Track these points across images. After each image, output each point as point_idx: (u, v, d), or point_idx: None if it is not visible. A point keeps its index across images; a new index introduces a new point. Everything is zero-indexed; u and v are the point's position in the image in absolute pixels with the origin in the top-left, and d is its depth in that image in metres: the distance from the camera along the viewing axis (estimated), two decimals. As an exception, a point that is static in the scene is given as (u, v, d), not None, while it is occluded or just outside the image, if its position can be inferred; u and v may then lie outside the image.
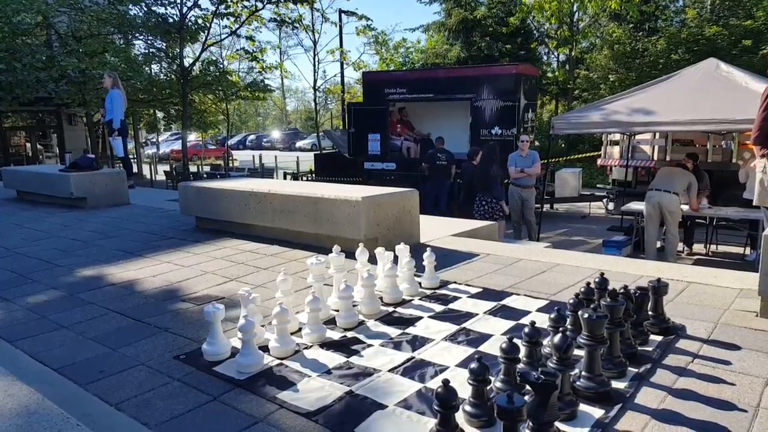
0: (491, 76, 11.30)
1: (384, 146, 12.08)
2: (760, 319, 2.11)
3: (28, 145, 20.04)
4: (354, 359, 1.90)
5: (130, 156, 10.19)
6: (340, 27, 21.46)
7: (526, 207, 7.89)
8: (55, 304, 2.66)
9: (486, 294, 2.53)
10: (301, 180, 15.35)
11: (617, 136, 10.94)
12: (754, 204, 4.33)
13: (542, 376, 1.28)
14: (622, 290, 1.82)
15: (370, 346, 2.00)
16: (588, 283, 1.98)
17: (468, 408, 1.46)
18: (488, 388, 1.46)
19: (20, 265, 3.43)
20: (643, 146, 10.59)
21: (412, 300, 2.47)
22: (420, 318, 2.26)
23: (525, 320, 2.14)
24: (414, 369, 1.80)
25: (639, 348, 1.84)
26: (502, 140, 10.91)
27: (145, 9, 16.07)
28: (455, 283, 2.71)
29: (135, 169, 14.89)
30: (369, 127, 12.16)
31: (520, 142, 8.23)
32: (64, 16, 15.00)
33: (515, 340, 1.58)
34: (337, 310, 2.24)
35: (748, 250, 7.50)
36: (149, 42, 17.21)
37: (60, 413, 1.39)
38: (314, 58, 22.36)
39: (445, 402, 1.32)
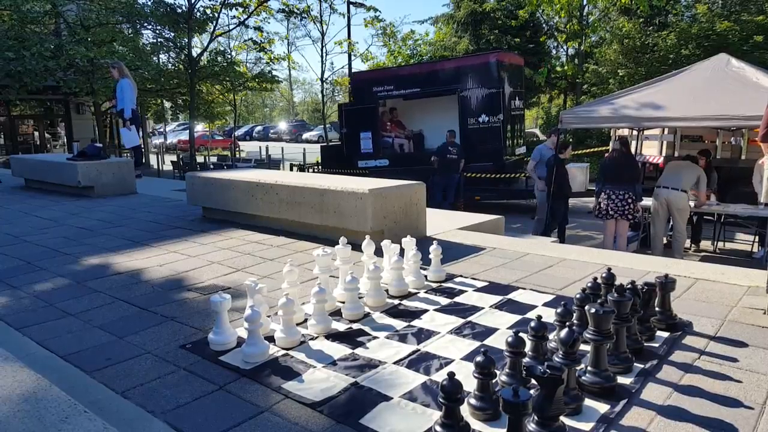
0: (473, 66, 11.47)
1: (376, 144, 12.18)
2: (768, 317, 2.10)
3: (36, 133, 20.14)
4: (359, 351, 1.90)
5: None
6: (348, 18, 21.34)
7: None
8: (62, 291, 2.67)
9: (492, 288, 2.52)
10: (308, 172, 15.35)
11: (626, 131, 10.86)
12: (762, 201, 4.28)
13: (548, 371, 1.27)
14: (629, 285, 1.81)
15: (375, 338, 2.01)
16: (595, 278, 1.97)
17: (473, 401, 1.46)
18: (493, 381, 1.46)
19: (28, 252, 3.45)
20: (651, 141, 10.50)
21: (418, 293, 2.47)
22: (426, 311, 2.26)
23: (531, 314, 2.14)
24: (419, 361, 1.80)
25: (645, 344, 1.84)
26: (489, 127, 11.06)
27: (154, -2, 16.07)
28: (461, 276, 2.71)
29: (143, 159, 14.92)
30: (360, 126, 12.30)
31: (549, 137, 8.31)
32: (72, 5, 15.00)
33: (521, 334, 1.57)
34: (343, 302, 2.24)
35: (756, 247, 7.44)
36: (157, 32, 17.21)
37: (67, 400, 1.41)
38: (322, 50, 22.26)
39: (450, 394, 1.32)
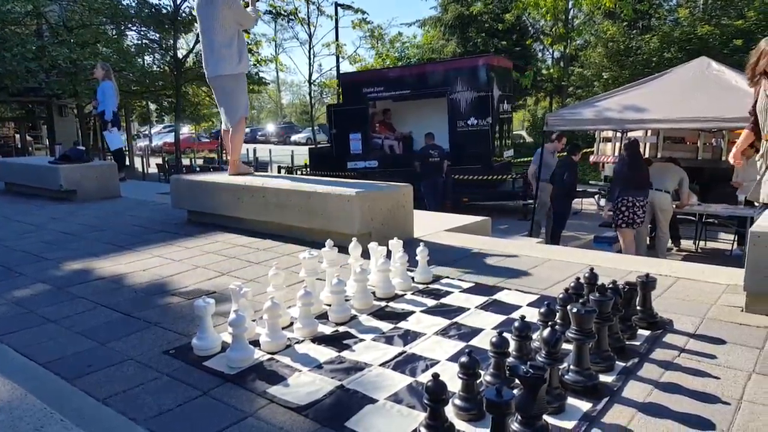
0: (462, 68, 11.63)
1: (365, 145, 12.24)
2: (745, 314, 2.13)
3: (18, 136, 19.85)
4: (345, 354, 1.90)
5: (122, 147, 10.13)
6: (336, 20, 21.35)
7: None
8: (43, 297, 2.63)
9: (478, 289, 2.54)
10: (296, 174, 15.30)
11: (610, 133, 10.99)
12: (757, 201, 4.22)
13: (531, 370, 1.28)
14: (610, 285, 1.83)
15: (361, 340, 2.01)
16: (578, 278, 2.00)
17: (458, 402, 1.47)
18: (478, 382, 1.47)
19: (7, 258, 3.40)
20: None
21: (405, 294, 2.48)
22: (412, 312, 2.26)
23: (515, 315, 2.15)
24: (405, 363, 1.81)
25: (627, 342, 1.86)
26: (478, 130, 11.20)
27: (138, -1, 15.95)
28: (448, 277, 2.72)
29: (127, 162, 14.74)
30: (350, 127, 12.36)
31: (552, 142, 8.38)
32: (55, 5, 14.82)
33: (505, 335, 1.58)
34: (330, 305, 2.24)
35: (734, 246, 7.57)
36: (142, 33, 17.06)
37: (43, 408, 1.38)
38: (310, 52, 22.27)
39: (434, 395, 1.33)
